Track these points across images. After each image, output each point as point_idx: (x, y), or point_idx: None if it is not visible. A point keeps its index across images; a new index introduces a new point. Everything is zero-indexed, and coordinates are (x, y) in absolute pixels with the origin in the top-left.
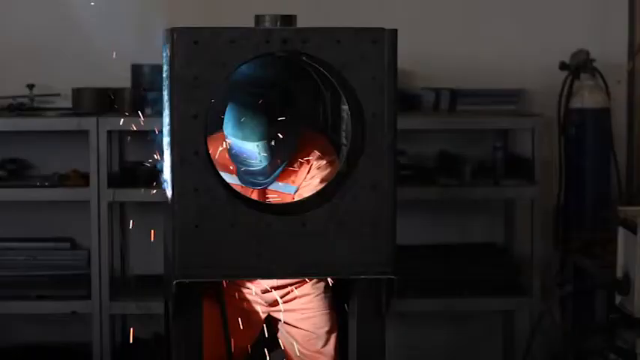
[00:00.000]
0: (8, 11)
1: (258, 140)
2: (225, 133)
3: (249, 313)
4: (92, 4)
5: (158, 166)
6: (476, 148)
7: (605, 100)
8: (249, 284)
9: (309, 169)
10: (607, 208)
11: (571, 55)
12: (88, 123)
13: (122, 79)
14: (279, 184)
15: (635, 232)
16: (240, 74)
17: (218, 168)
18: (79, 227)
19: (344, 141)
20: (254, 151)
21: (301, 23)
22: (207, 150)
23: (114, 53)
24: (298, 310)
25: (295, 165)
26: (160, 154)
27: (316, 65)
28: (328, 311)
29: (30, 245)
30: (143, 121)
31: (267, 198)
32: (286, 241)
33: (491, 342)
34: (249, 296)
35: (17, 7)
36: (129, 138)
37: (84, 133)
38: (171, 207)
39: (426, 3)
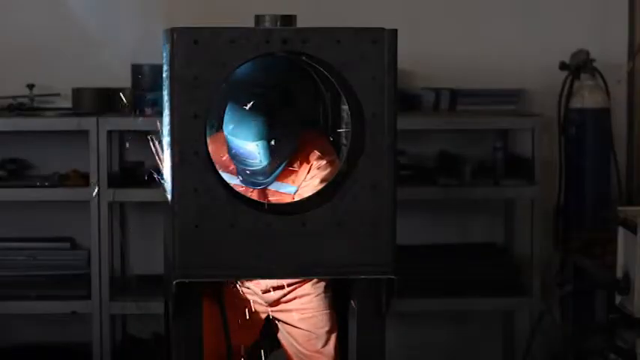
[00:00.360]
0: (8, 11)
1: (258, 140)
2: (225, 132)
3: (249, 313)
4: (92, 4)
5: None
6: (476, 148)
7: (605, 100)
8: (249, 284)
9: (309, 169)
10: (607, 208)
11: (571, 55)
12: (88, 123)
13: (122, 79)
14: (279, 184)
15: (635, 232)
16: (241, 74)
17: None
18: (79, 227)
19: (344, 141)
20: (254, 150)
21: (301, 23)
22: (208, 150)
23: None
24: (298, 310)
25: (295, 165)
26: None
27: (316, 65)
28: (328, 311)
29: (30, 245)
30: (142, 121)
31: (267, 198)
32: (286, 241)
33: (491, 342)
34: (249, 296)
35: (17, 7)
36: (127, 143)
37: (84, 133)
38: (171, 207)
39: (426, 3)
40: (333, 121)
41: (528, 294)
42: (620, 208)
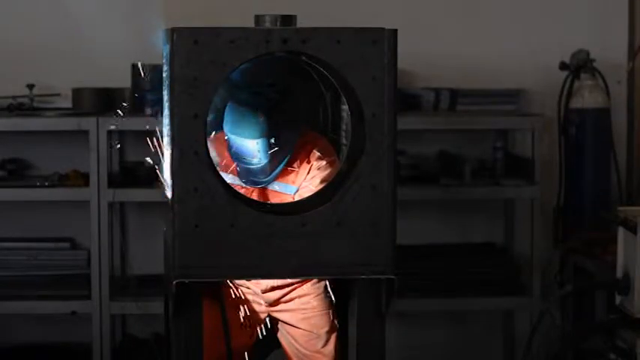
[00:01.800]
0: (8, 11)
1: (258, 138)
2: (225, 131)
3: (249, 313)
4: (93, 4)
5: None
6: (476, 148)
7: (605, 100)
8: (249, 284)
9: (309, 169)
10: (607, 208)
11: (571, 55)
12: (88, 123)
13: (122, 79)
14: (279, 184)
15: (635, 232)
16: (241, 73)
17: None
18: (79, 227)
19: (344, 141)
20: (253, 148)
21: (301, 23)
22: (208, 150)
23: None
24: (298, 310)
25: (295, 165)
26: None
27: (316, 65)
28: (328, 311)
29: (30, 245)
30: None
31: (268, 198)
32: (286, 241)
33: (491, 342)
34: (249, 296)
35: (17, 7)
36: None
37: (84, 133)
38: (171, 207)
39: (426, 3)
40: (333, 121)
41: (528, 294)
42: (620, 208)
